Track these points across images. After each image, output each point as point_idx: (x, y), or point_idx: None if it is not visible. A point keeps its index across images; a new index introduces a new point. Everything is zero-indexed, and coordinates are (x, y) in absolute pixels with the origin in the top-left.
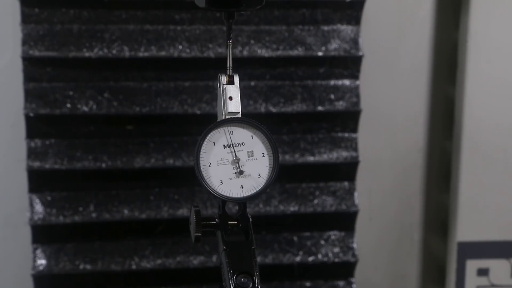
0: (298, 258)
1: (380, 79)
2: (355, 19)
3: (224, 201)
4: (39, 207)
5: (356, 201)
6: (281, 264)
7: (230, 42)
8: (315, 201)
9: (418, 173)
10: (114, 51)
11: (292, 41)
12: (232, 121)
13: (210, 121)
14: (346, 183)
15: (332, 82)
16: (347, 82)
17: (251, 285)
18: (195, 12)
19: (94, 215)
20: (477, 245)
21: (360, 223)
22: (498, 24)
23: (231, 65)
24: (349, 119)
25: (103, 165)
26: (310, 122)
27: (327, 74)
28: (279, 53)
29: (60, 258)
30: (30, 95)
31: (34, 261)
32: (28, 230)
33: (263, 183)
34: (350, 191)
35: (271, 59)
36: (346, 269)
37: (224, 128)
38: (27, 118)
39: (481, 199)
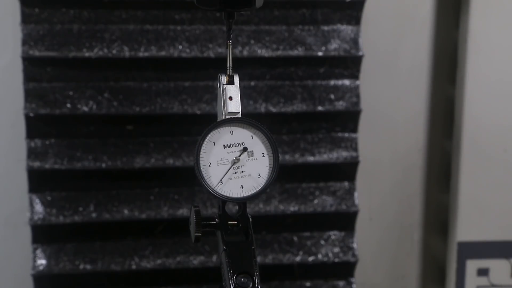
0: (298, 258)
1: (380, 79)
2: (355, 19)
3: (224, 201)
4: (39, 207)
5: (356, 201)
6: (281, 264)
7: (230, 42)
8: (315, 201)
9: (418, 173)
10: (114, 51)
11: (292, 41)
12: (232, 121)
13: (210, 121)
14: (346, 183)
15: (332, 82)
16: (347, 82)
17: (251, 285)
18: (195, 12)
19: (94, 215)
20: (477, 245)
21: (360, 223)
22: (498, 24)
23: (231, 65)
24: (349, 119)
25: (103, 165)
26: (310, 122)
27: (327, 74)
28: (279, 53)
29: (60, 258)
30: (30, 95)
31: (34, 261)
32: (28, 230)
33: (263, 183)
34: (350, 191)
35: (271, 59)
36: (346, 269)
37: (224, 128)
38: (27, 118)
39: (481, 199)
